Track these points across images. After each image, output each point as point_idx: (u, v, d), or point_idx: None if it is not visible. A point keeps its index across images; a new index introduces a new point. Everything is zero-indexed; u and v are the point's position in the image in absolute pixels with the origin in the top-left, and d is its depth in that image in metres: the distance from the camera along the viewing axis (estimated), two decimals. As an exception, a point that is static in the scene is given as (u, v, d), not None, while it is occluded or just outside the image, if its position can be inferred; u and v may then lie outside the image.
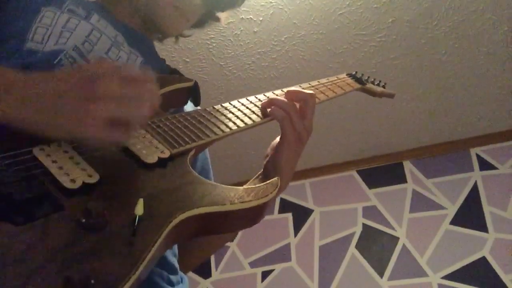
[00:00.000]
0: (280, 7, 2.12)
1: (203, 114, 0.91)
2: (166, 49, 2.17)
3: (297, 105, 0.98)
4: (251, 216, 0.75)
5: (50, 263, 0.53)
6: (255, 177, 0.99)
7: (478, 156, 2.86)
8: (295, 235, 2.92)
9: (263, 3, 2.10)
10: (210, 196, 0.71)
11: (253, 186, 0.76)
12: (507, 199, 2.70)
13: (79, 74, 0.71)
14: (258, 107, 0.99)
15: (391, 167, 2.96)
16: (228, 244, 2.89)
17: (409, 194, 2.86)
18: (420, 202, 2.82)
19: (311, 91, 1.01)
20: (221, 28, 2.17)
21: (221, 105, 0.96)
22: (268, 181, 0.77)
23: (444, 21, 2.22)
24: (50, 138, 0.68)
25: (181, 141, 0.81)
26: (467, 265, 2.60)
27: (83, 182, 0.64)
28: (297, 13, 2.15)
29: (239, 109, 0.96)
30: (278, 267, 2.85)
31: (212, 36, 2.20)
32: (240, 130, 0.92)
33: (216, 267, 2.92)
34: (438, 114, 2.71)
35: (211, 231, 0.75)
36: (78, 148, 0.70)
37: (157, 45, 1.19)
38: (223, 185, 0.74)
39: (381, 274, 2.70)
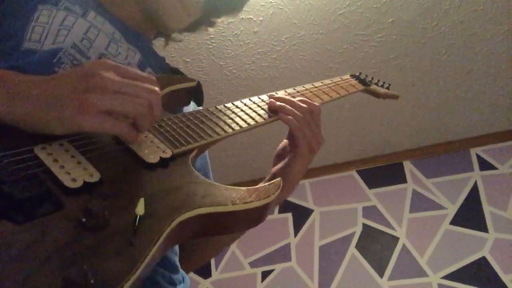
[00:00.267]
0: (280, 7, 2.12)
1: (205, 114, 0.91)
2: (166, 49, 2.17)
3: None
4: (253, 216, 0.75)
5: (50, 262, 0.53)
6: (262, 183, 0.99)
7: (478, 156, 2.86)
8: (295, 235, 2.92)
9: (263, 3, 2.10)
10: (212, 196, 0.71)
11: (256, 186, 0.76)
12: (507, 199, 2.70)
13: (78, 69, 0.72)
14: (260, 107, 0.99)
15: (391, 167, 2.96)
16: (228, 244, 2.89)
17: (409, 194, 2.86)
18: (420, 202, 2.83)
19: (318, 104, 1.04)
20: (221, 28, 2.17)
21: (224, 105, 0.96)
22: (270, 182, 0.77)
23: (444, 21, 2.22)
24: (47, 130, 0.68)
25: (183, 141, 0.81)
26: (467, 265, 2.60)
27: (84, 181, 0.64)
28: (297, 13, 2.15)
29: (241, 110, 0.96)
30: (278, 267, 2.86)
31: (212, 36, 2.20)
32: (241, 131, 0.92)
33: (216, 267, 2.93)
34: (438, 114, 2.71)
35: (213, 232, 0.74)
36: (79, 147, 0.70)
37: (157, 45, 1.19)
38: (225, 186, 0.74)
39: (381, 274, 2.70)
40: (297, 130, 0.98)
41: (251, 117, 0.95)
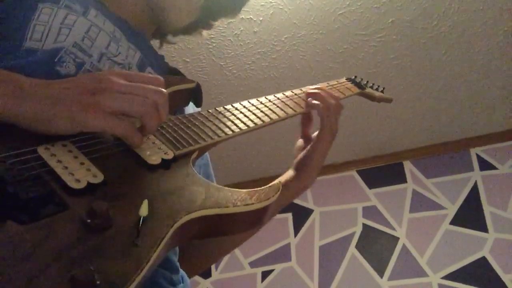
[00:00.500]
0: (280, 7, 2.12)
1: (207, 115, 0.92)
2: (166, 49, 2.17)
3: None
4: (253, 218, 0.76)
5: (55, 262, 0.53)
6: (278, 179, 1.09)
7: (478, 156, 2.86)
8: (295, 235, 2.93)
9: (263, 3, 2.10)
10: (214, 198, 0.71)
11: (256, 189, 0.76)
12: (507, 199, 2.70)
13: (85, 74, 0.73)
14: (260, 110, 1.00)
15: (391, 167, 2.96)
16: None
17: (409, 194, 2.87)
18: (420, 202, 2.83)
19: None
20: (221, 28, 2.17)
21: (224, 107, 0.96)
22: (270, 185, 0.78)
23: (444, 21, 2.22)
24: (52, 129, 0.68)
25: (185, 142, 0.81)
26: (467, 265, 2.60)
27: (88, 182, 0.64)
28: (297, 13, 2.15)
29: (241, 112, 0.97)
30: (278, 267, 2.86)
31: (212, 36, 2.20)
32: (242, 132, 0.92)
33: (216, 267, 2.93)
34: (438, 114, 2.71)
35: (214, 233, 0.75)
36: (82, 148, 0.70)
37: (156, 45, 1.19)
38: (226, 188, 0.74)
39: (381, 274, 2.70)
40: (325, 114, 1.08)
41: (251, 119, 0.96)
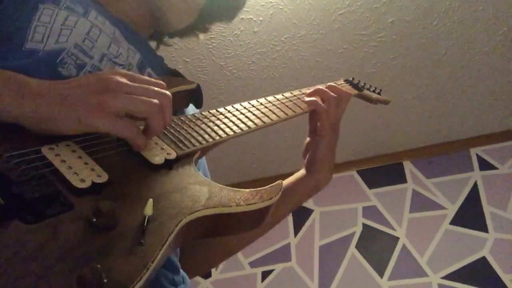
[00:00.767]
0: (280, 7, 2.12)
1: (208, 116, 0.92)
2: (166, 49, 2.17)
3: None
4: (255, 218, 0.76)
5: (61, 262, 0.53)
6: (296, 176, 1.16)
7: (478, 156, 2.87)
8: (295, 235, 2.93)
9: (263, 3, 2.10)
10: (217, 197, 0.72)
11: (258, 189, 0.76)
12: (507, 199, 2.70)
13: (90, 75, 0.73)
14: (260, 111, 1.01)
15: (391, 167, 2.97)
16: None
17: (409, 194, 2.87)
18: (420, 202, 2.83)
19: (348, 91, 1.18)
20: (221, 28, 2.17)
21: (224, 108, 0.97)
22: (272, 184, 0.78)
23: (444, 21, 2.22)
24: (57, 128, 0.68)
25: (187, 143, 0.82)
26: (467, 265, 2.61)
27: (93, 182, 0.64)
28: (297, 13, 2.15)
29: (241, 112, 0.98)
30: (278, 267, 2.86)
31: (212, 36, 2.20)
32: (243, 133, 0.93)
33: (216, 267, 2.93)
34: (438, 114, 2.72)
35: (217, 233, 0.75)
36: (86, 148, 0.70)
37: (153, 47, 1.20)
38: (228, 187, 0.75)
39: (381, 274, 2.70)
40: (321, 107, 1.10)
41: (251, 120, 0.97)
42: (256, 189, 0.76)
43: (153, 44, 1.25)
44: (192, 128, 0.87)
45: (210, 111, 0.95)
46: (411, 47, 2.33)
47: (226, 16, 1.23)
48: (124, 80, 0.72)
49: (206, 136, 0.86)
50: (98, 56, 0.91)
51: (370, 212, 2.88)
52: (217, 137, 0.87)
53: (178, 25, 1.15)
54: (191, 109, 1.10)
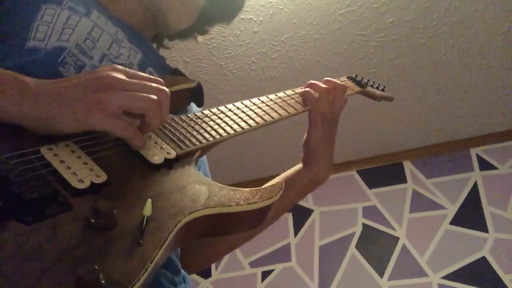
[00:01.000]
0: (280, 7, 2.12)
1: (208, 115, 0.92)
2: (166, 49, 2.17)
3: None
4: (256, 217, 0.76)
5: (60, 262, 0.53)
6: (293, 169, 1.16)
7: (478, 156, 2.86)
8: (295, 235, 2.93)
9: (263, 3, 2.10)
10: (217, 197, 0.71)
11: (258, 188, 0.76)
12: (507, 199, 2.70)
13: (88, 72, 0.73)
14: (261, 109, 1.01)
15: (391, 167, 2.97)
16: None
17: (409, 194, 2.87)
18: (420, 202, 2.83)
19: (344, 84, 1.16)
20: (221, 28, 2.17)
21: (225, 106, 0.97)
22: (273, 184, 0.78)
23: (444, 21, 2.22)
24: (56, 128, 0.68)
25: (187, 142, 0.81)
26: (467, 265, 2.60)
27: (91, 182, 0.64)
28: (297, 13, 2.15)
29: (242, 111, 0.97)
30: (278, 267, 2.86)
31: (212, 36, 2.20)
32: (243, 132, 0.93)
33: (216, 267, 2.93)
34: (438, 114, 2.71)
35: (217, 232, 0.75)
36: (85, 148, 0.70)
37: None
38: (228, 187, 0.75)
39: (381, 274, 2.70)
40: (313, 97, 1.10)
41: (252, 118, 0.96)
42: (256, 188, 0.76)
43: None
44: (192, 127, 0.86)
45: (210, 109, 0.94)
46: (411, 47, 2.33)
47: (225, 17, 1.24)
48: (121, 76, 0.72)
49: (206, 135, 0.85)
50: (99, 56, 0.91)
51: (370, 212, 2.88)
52: (218, 136, 0.87)
53: (178, 26, 1.15)
54: (194, 107, 1.10)
